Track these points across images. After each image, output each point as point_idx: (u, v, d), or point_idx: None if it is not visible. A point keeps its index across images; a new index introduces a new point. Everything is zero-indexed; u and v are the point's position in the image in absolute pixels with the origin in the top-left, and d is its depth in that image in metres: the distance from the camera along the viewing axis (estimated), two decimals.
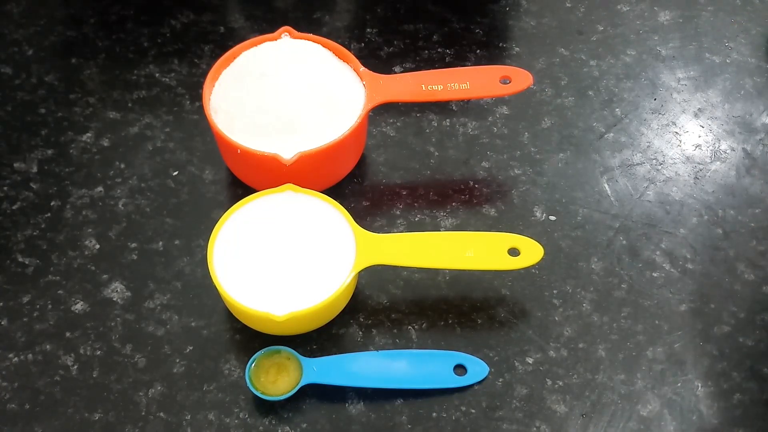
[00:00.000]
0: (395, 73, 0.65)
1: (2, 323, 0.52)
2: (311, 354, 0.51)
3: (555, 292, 0.54)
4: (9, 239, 0.56)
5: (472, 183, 0.59)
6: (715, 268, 0.55)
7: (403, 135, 0.62)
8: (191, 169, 0.59)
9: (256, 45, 0.58)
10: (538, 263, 0.51)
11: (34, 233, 0.56)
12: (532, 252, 0.50)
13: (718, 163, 0.60)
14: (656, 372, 0.50)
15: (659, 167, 0.60)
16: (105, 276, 0.54)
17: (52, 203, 0.57)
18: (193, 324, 0.52)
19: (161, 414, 0.49)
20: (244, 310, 0.48)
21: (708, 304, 0.53)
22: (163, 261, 0.55)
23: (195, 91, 0.64)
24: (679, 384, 0.50)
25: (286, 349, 0.49)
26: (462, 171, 0.60)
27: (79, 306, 0.53)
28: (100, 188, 0.58)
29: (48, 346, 0.51)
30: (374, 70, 0.57)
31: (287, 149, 0.53)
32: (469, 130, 0.62)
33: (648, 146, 0.61)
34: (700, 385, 0.50)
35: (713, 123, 0.63)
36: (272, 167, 0.53)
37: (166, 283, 0.54)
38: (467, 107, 0.63)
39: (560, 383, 0.50)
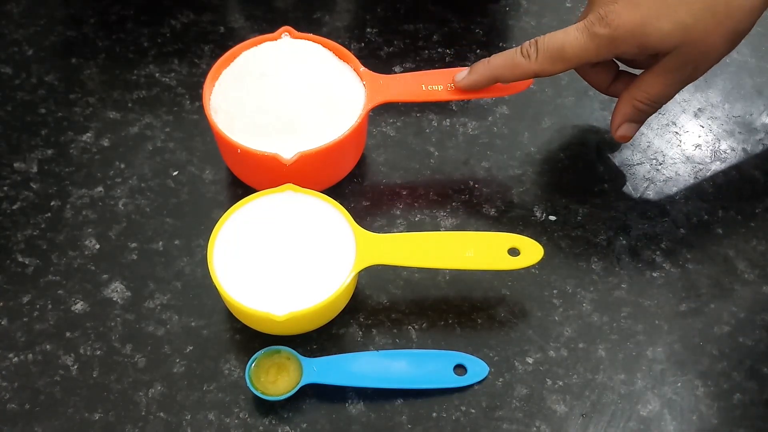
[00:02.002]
0: (395, 73, 0.65)
1: (2, 323, 0.52)
2: (311, 354, 0.51)
3: (555, 292, 0.54)
4: (9, 239, 0.56)
5: (472, 183, 0.59)
6: (715, 268, 0.55)
7: (403, 135, 0.62)
8: (191, 169, 0.59)
9: (256, 45, 0.58)
10: (538, 263, 0.51)
11: (34, 233, 0.56)
12: (532, 252, 0.50)
13: (718, 163, 0.60)
14: (656, 372, 0.50)
15: (659, 167, 0.60)
16: (105, 276, 0.54)
17: (52, 203, 0.57)
18: (193, 324, 0.52)
19: (161, 414, 0.49)
20: (244, 310, 0.48)
21: (708, 304, 0.53)
22: (163, 261, 0.55)
23: (195, 91, 0.64)
24: (679, 384, 0.50)
25: (286, 349, 0.49)
26: (462, 171, 0.60)
27: (79, 306, 0.53)
28: (100, 188, 0.58)
29: (48, 346, 0.51)
30: (374, 70, 0.57)
31: (287, 149, 0.53)
32: (469, 130, 0.62)
33: (648, 146, 0.61)
34: (700, 385, 0.50)
35: (713, 123, 0.63)
36: (272, 167, 0.53)
37: (166, 283, 0.54)
38: (467, 107, 0.63)
39: (560, 383, 0.50)
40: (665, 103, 0.54)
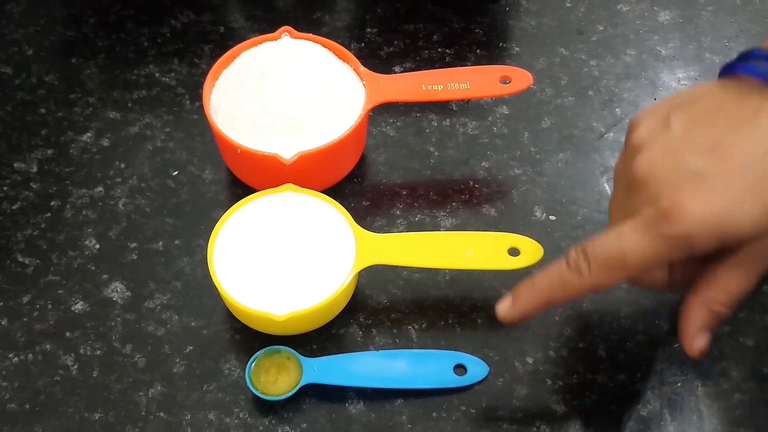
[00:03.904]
0: (395, 73, 0.65)
1: (2, 323, 0.52)
2: (311, 354, 0.51)
3: None
4: (9, 239, 0.56)
5: (472, 183, 0.59)
6: None
7: (403, 135, 0.62)
8: (191, 169, 0.59)
9: (256, 45, 0.58)
10: (538, 263, 0.51)
11: (34, 233, 0.56)
12: (532, 252, 0.50)
13: None
14: (656, 372, 0.50)
15: None
16: (105, 276, 0.54)
17: (52, 203, 0.57)
18: (193, 324, 0.52)
19: (161, 414, 0.49)
20: (244, 310, 0.48)
21: None
22: (163, 261, 0.55)
23: (195, 91, 0.64)
24: (679, 384, 0.50)
25: (286, 349, 0.49)
26: (462, 171, 0.60)
27: (79, 306, 0.53)
28: (100, 188, 0.58)
29: (48, 346, 0.51)
30: (374, 70, 0.57)
31: (287, 149, 0.53)
32: (469, 130, 0.62)
33: None
34: (700, 385, 0.50)
35: None
36: (272, 167, 0.53)
37: (166, 283, 0.54)
38: (467, 107, 0.63)
39: (560, 383, 0.50)
40: (745, 298, 0.43)
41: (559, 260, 0.43)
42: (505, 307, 0.45)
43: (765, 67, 0.41)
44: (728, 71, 0.43)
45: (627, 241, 0.40)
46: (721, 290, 0.42)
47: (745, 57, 0.42)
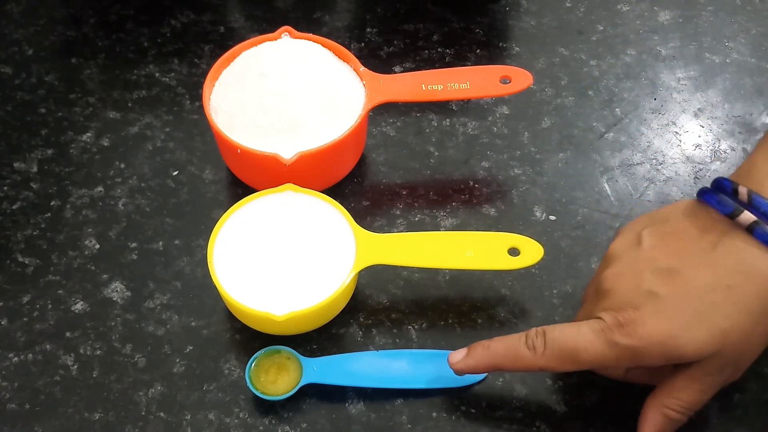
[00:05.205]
0: (395, 73, 0.65)
1: (2, 323, 0.52)
2: (311, 354, 0.51)
3: (555, 292, 0.54)
4: (9, 239, 0.56)
5: (472, 183, 0.59)
6: None
7: (403, 135, 0.62)
8: (191, 169, 0.59)
9: (256, 45, 0.58)
10: (538, 263, 0.51)
11: (34, 233, 0.56)
12: (532, 252, 0.50)
13: (718, 163, 0.60)
14: None
15: (659, 167, 0.60)
16: (105, 276, 0.54)
17: (52, 203, 0.57)
18: (193, 324, 0.52)
19: (161, 414, 0.49)
20: (244, 310, 0.48)
21: None
22: (163, 261, 0.55)
23: (195, 91, 0.64)
24: None
25: (286, 349, 0.49)
26: (462, 171, 0.60)
27: (79, 306, 0.53)
28: (100, 188, 0.58)
29: (48, 346, 0.51)
30: (374, 70, 0.57)
31: (287, 149, 0.53)
32: (469, 130, 0.62)
33: (648, 146, 0.61)
34: None
35: (713, 123, 0.63)
36: (272, 167, 0.53)
37: (166, 283, 0.54)
38: (467, 107, 0.63)
39: (560, 383, 0.50)
40: (700, 407, 0.46)
41: (519, 334, 0.46)
42: (458, 357, 0.47)
43: (728, 203, 0.43)
44: (702, 196, 0.45)
45: (583, 339, 0.44)
46: (675, 398, 0.45)
47: (716, 186, 0.45)
